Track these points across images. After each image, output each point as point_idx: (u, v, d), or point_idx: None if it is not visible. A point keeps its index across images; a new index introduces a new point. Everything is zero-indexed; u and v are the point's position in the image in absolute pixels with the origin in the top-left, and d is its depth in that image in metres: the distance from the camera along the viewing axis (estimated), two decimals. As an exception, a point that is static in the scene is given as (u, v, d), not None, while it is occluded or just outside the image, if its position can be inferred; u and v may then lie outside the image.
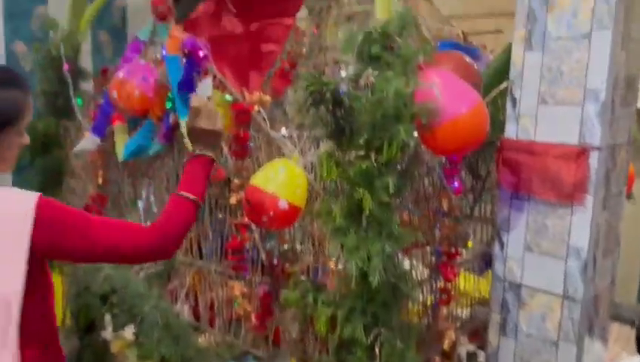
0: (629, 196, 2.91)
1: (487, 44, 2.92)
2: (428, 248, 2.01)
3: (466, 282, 2.43)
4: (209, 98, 1.98)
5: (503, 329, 1.89)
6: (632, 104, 1.80)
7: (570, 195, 1.68)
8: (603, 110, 1.61)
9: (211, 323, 2.29)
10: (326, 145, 1.58)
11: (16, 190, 1.31)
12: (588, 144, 1.64)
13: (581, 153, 1.64)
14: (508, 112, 1.82)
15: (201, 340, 2.57)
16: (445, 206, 1.90)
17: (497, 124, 1.91)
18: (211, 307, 2.28)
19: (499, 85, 1.88)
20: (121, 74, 2.19)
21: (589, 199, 1.66)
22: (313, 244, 1.96)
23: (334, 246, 1.53)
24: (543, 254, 1.78)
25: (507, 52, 1.90)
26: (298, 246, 2.05)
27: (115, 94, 2.16)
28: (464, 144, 1.52)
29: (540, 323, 1.80)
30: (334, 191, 1.59)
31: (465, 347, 2.94)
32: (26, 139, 1.38)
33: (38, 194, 1.29)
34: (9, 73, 1.35)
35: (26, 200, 1.27)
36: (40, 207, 1.26)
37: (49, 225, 1.26)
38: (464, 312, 2.39)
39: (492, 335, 1.92)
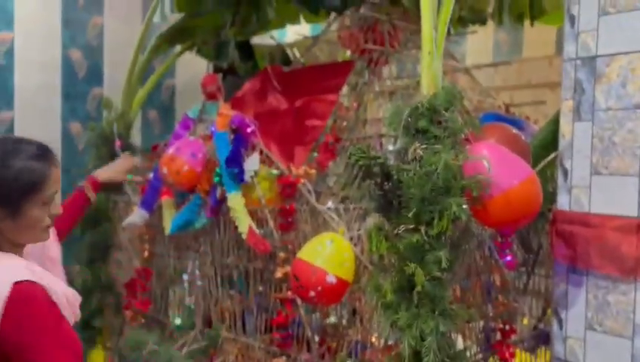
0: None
1: (529, 115, 2.91)
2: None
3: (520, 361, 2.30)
4: (256, 173, 2.03)
5: (566, 415, 1.75)
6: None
7: (633, 270, 1.59)
8: (662, 180, 1.55)
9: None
10: (374, 219, 1.56)
11: (10, 263, 1.26)
12: (647, 216, 1.57)
13: (641, 226, 1.57)
14: (559, 184, 1.77)
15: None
16: (497, 281, 1.82)
17: (547, 195, 1.87)
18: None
19: (547, 156, 1.85)
20: (170, 150, 2.26)
21: (654, 274, 1.57)
22: (361, 321, 1.90)
23: (385, 323, 1.48)
24: (606, 333, 1.67)
25: (554, 122, 1.89)
26: (344, 322, 2.00)
27: (164, 170, 2.23)
28: (517, 217, 1.48)
29: (609, 410, 1.66)
30: (383, 265, 1.56)
31: None
32: (57, 209, 1.36)
33: (21, 277, 1.21)
34: (33, 145, 1.36)
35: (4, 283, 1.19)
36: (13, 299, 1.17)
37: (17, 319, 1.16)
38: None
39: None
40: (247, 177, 2.02)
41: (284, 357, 1.96)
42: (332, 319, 2.01)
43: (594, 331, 1.70)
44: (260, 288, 2.10)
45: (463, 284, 1.79)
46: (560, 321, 1.78)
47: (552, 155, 1.83)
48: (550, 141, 1.91)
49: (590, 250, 1.68)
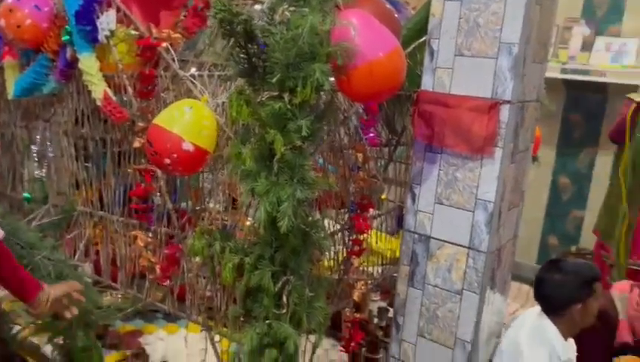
0: (535, 158, 3.04)
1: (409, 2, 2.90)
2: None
3: (379, 241, 2.45)
4: (112, 32, 1.82)
5: (411, 280, 1.92)
6: (543, 61, 1.84)
7: (480, 148, 1.70)
8: (515, 64, 1.62)
9: (114, 279, 2.16)
10: (237, 84, 1.48)
11: None
12: (500, 98, 1.66)
13: (493, 106, 1.66)
14: (425, 64, 1.80)
15: (106, 298, 2.44)
16: (360, 158, 1.87)
17: (415, 78, 1.90)
18: (114, 261, 2.14)
19: (418, 40, 1.85)
20: (10, 0, 1.95)
21: (498, 152, 1.69)
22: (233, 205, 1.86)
23: (245, 191, 1.46)
24: (452, 207, 1.81)
25: (427, 7, 1.87)
26: (211, 205, 1.95)
27: (2, 22, 1.92)
28: (380, 89, 1.48)
29: (446, 274, 1.83)
30: (245, 133, 1.50)
31: (377, 304, 3.02)
32: None
33: None
34: None
35: None
36: None
37: None
38: (376, 270, 2.42)
39: (400, 287, 1.95)
40: (101, 37, 1.81)
41: (143, 231, 1.89)
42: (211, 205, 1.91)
43: (441, 205, 1.83)
44: (119, 160, 1.97)
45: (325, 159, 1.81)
46: (414, 196, 1.89)
47: (423, 38, 1.83)
48: (423, 25, 1.90)
49: (446, 130, 1.76)
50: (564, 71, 3.54)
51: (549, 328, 1.85)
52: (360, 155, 1.85)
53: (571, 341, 1.92)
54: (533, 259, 4.01)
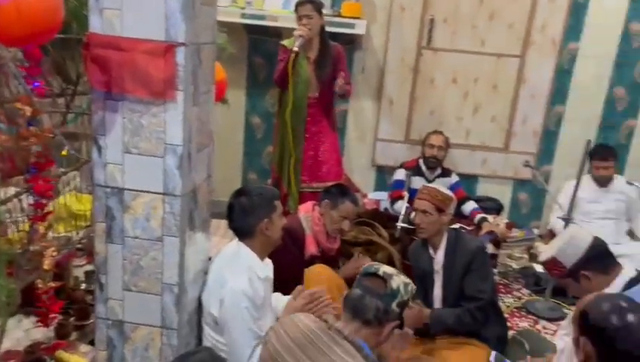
0: (224, 100, 3.18)
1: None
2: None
3: (78, 202, 2.26)
4: None
5: (109, 236, 1.84)
6: (213, 4, 1.88)
7: (161, 92, 1.68)
8: (184, 5, 1.62)
9: None
10: None
11: None
12: (173, 40, 1.65)
13: (168, 49, 1.65)
14: (91, 4, 1.66)
15: None
16: (28, 112, 1.65)
17: (83, 19, 1.74)
18: None
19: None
20: None
21: (180, 95, 1.70)
22: None
23: None
24: (142, 155, 1.76)
25: None
26: None
27: None
28: (33, 31, 1.31)
29: (145, 224, 1.81)
30: None
31: (83, 268, 2.82)
32: None
33: None
34: None
35: None
36: None
37: None
38: (75, 233, 2.23)
39: (99, 245, 1.85)
40: None
41: None
42: None
43: (130, 154, 1.77)
44: None
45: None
46: (99, 149, 1.78)
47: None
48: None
49: (124, 75, 1.68)
50: (243, 15, 3.72)
51: (246, 252, 2.02)
52: (28, 108, 1.63)
53: (267, 260, 2.13)
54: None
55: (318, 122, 3.35)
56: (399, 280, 1.64)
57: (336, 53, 3.34)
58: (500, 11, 3.89)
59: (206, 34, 1.84)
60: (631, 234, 3.83)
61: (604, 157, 3.65)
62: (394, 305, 1.61)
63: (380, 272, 1.65)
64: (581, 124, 4.04)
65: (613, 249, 2.03)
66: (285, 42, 3.31)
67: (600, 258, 1.96)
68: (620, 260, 2.00)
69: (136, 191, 1.79)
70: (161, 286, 1.85)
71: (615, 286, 1.92)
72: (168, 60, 1.65)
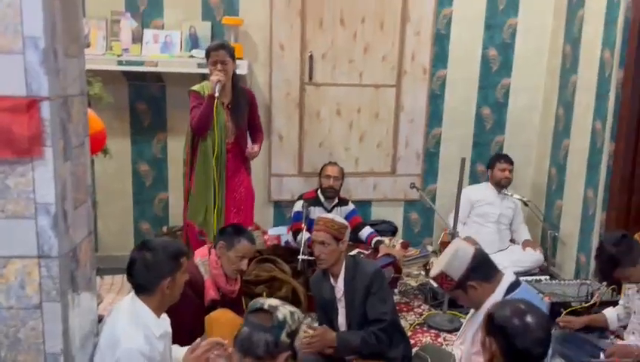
0: (105, 151, 3.05)
1: None
2: None
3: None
4: None
5: (-21, 311, 1.67)
6: (80, 55, 1.83)
7: (26, 150, 1.58)
8: (44, 58, 1.56)
9: None
10: None
11: None
12: (36, 95, 1.57)
13: (31, 104, 1.56)
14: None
15: None
16: None
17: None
18: None
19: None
20: None
21: (48, 151, 1.61)
22: None
23: None
24: (10, 218, 1.64)
25: None
26: None
27: None
28: None
29: (20, 291, 1.67)
30: None
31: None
32: None
33: None
34: None
35: None
36: None
37: None
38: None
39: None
40: None
41: None
42: None
43: (-2, 219, 1.64)
44: None
45: None
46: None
47: None
48: None
49: (-18, 135, 1.57)
50: (120, 63, 3.64)
51: (141, 309, 1.93)
52: None
53: (164, 315, 2.05)
54: (130, 247, 4.07)
55: (237, 169, 3.33)
56: (285, 311, 1.64)
57: (250, 97, 3.38)
58: (373, 45, 4.13)
59: (74, 86, 1.77)
60: (513, 242, 4.16)
61: (506, 160, 4.07)
62: (283, 336, 1.60)
63: (265, 306, 1.65)
64: (457, 143, 4.35)
65: (499, 255, 2.19)
66: (196, 87, 3.25)
67: (483, 267, 2.10)
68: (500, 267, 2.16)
69: (7, 257, 1.65)
70: (44, 357, 1.70)
71: (499, 292, 2.06)
72: (32, 116, 1.56)
